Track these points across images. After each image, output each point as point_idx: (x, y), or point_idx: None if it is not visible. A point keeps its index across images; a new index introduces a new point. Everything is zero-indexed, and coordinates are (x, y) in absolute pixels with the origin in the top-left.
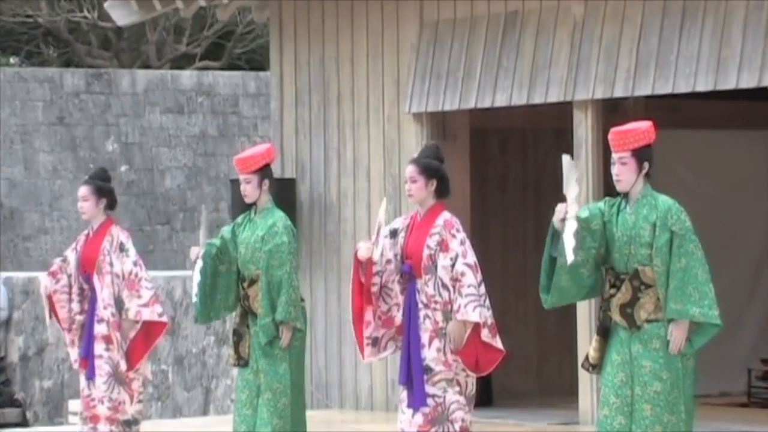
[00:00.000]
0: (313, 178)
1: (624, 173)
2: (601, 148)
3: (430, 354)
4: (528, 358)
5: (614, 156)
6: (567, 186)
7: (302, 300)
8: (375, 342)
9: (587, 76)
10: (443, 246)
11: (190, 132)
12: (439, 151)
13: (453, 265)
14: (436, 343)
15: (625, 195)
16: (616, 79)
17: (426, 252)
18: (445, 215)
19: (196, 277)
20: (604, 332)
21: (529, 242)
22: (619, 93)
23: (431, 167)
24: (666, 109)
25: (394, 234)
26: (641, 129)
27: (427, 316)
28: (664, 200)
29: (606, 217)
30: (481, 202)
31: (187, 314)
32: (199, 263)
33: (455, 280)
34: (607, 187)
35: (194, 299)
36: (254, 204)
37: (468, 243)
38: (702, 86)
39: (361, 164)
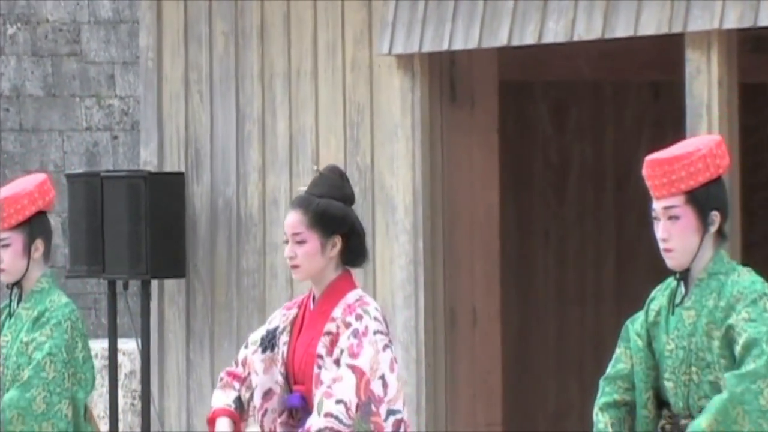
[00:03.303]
0: (217, 171)
1: (676, 235)
2: (737, 116)
3: None
4: None
5: (656, 206)
6: None
7: None
8: None
9: None
10: (330, 347)
11: None
12: (344, 182)
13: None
14: None
15: (683, 274)
16: None
17: (318, 368)
18: (352, 297)
19: None
20: None
21: (608, 292)
22: (766, 20)
23: (331, 215)
24: None
25: (270, 341)
26: (699, 152)
27: None
28: (739, 278)
29: (648, 325)
30: (518, 218)
31: None
32: None
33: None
34: (745, 198)
35: None
36: (16, 285)
37: (372, 336)
38: None
39: (303, 148)
